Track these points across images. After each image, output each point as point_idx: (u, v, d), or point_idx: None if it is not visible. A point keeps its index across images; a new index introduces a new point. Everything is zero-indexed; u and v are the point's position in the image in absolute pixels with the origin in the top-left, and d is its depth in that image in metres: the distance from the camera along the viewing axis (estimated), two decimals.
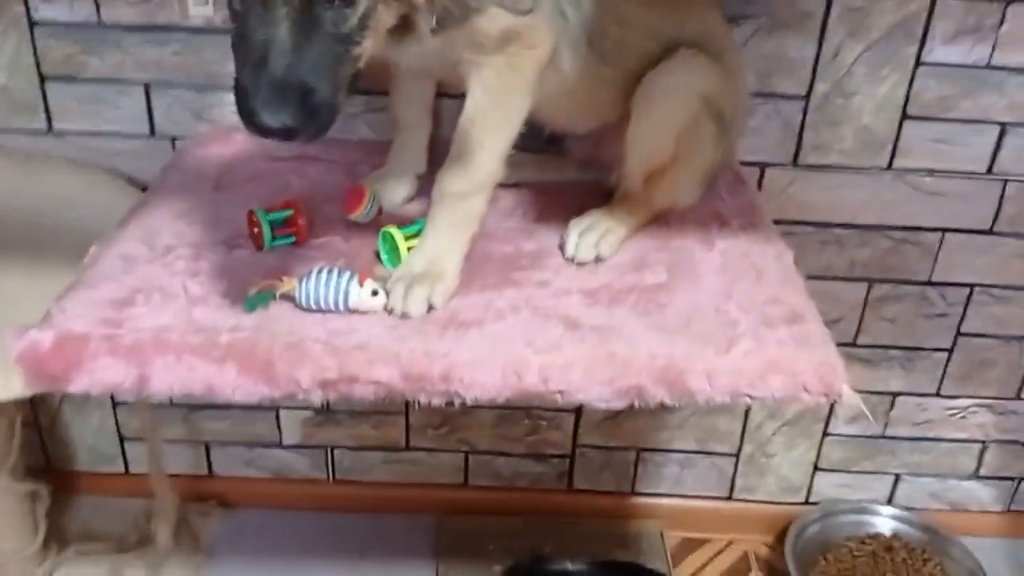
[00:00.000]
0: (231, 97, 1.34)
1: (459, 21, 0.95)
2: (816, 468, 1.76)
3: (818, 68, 1.38)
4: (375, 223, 1.18)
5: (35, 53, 1.37)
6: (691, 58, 1.10)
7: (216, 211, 1.21)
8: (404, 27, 0.90)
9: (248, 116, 0.81)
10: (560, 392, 0.97)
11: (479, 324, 1.01)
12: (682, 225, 1.23)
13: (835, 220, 1.50)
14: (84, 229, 1.39)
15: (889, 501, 1.79)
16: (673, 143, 1.13)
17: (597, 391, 0.97)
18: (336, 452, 1.75)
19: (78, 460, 1.77)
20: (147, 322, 0.99)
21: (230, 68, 1.32)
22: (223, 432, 1.73)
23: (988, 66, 1.37)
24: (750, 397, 0.98)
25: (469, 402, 0.98)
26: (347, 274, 1.01)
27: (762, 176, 1.47)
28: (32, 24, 1.35)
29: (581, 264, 1.14)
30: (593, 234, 1.15)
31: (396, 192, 1.25)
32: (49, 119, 1.42)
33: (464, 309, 1.04)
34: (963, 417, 1.68)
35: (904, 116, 1.41)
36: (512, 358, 0.97)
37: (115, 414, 1.71)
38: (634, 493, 1.79)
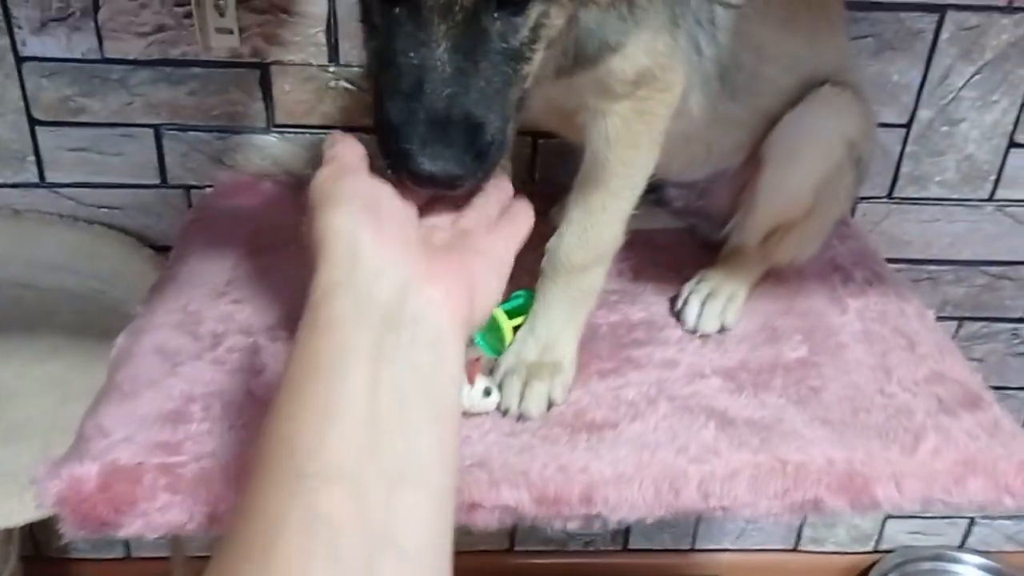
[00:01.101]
0: (260, 139, 1.15)
1: (592, 61, 0.78)
2: (887, 514, 1.64)
3: (923, 93, 1.24)
4: None
5: (24, 95, 1.15)
6: (837, 96, 0.94)
7: (264, 282, 1.02)
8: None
9: (401, 161, 0.61)
10: (723, 508, 0.81)
11: (614, 425, 0.85)
12: (801, 280, 1.08)
13: (930, 256, 1.37)
14: (87, 299, 1.19)
15: (961, 546, 1.67)
16: (812, 196, 0.97)
17: (766, 505, 0.81)
18: None
19: (74, 547, 1.55)
20: (211, 443, 0.80)
21: (257, 107, 1.15)
22: None
23: None
24: (944, 503, 0.83)
25: (614, 525, 0.82)
26: None
27: (853, 210, 1.32)
28: (20, 61, 1.13)
29: (704, 336, 0.98)
30: (717, 302, 0.99)
31: None
32: (41, 170, 1.20)
33: (590, 404, 0.87)
34: None
35: (1011, 144, 1.28)
36: (664, 470, 0.81)
37: None
38: (694, 550, 1.65)
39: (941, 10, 1.18)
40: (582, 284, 0.89)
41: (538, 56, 0.67)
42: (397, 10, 0.61)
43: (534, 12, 0.64)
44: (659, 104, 0.85)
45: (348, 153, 0.62)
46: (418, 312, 0.52)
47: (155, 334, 0.93)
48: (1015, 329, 1.44)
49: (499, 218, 0.67)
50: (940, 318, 1.39)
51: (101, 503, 0.75)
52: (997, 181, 1.31)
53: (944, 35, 1.19)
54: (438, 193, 0.65)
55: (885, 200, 1.32)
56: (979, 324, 1.44)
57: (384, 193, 0.59)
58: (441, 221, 0.65)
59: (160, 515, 0.76)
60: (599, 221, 0.87)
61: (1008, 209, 1.33)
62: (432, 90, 0.60)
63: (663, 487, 0.80)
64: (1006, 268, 1.38)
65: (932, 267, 1.38)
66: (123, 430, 0.80)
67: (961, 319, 1.43)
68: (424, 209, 0.65)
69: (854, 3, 1.14)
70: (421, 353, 0.51)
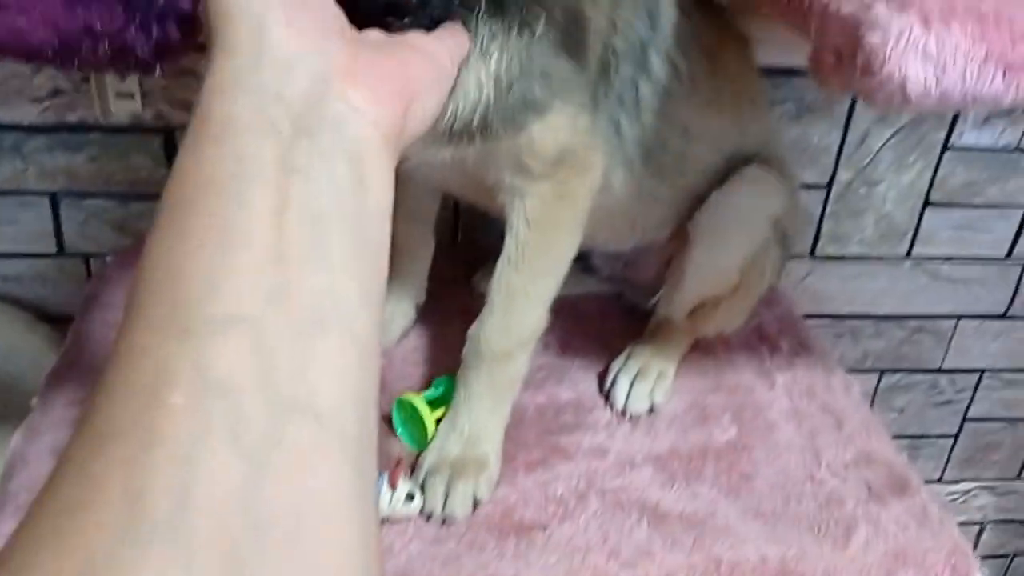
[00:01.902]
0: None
1: (513, 123, 0.74)
2: None
3: (842, 155, 1.24)
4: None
5: None
6: (762, 176, 0.93)
7: None
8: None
9: None
10: None
11: (543, 527, 0.81)
12: (728, 352, 1.07)
13: (850, 312, 1.38)
14: None
15: None
16: (739, 273, 0.96)
17: None
18: None
19: None
20: None
21: (160, 173, 1.08)
22: None
23: (1017, 148, 1.27)
24: None
25: None
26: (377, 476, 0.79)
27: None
28: None
29: (633, 417, 0.96)
30: (646, 382, 0.96)
31: (393, 325, 1.03)
32: None
33: (518, 502, 0.84)
34: (964, 501, 1.61)
35: (927, 203, 1.30)
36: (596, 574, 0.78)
37: None
38: None
39: None
40: (506, 372, 0.86)
41: None
42: None
43: None
44: (580, 186, 0.82)
45: None
46: (338, 116, 0.41)
47: (53, 434, 0.86)
48: (934, 380, 1.46)
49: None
50: (862, 370, 1.42)
51: None
52: (914, 239, 1.33)
53: (860, 100, 1.20)
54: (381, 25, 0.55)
55: (808, 258, 1.32)
56: (899, 375, 1.45)
57: None
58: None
59: None
60: (522, 307, 0.84)
61: (925, 265, 1.35)
62: None
63: None
64: (924, 322, 1.40)
65: (854, 321, 1.39)
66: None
67: (882, 371, 1.45)
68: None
69: (775, 69, 1.14)
70: (339, 164, 0.40)
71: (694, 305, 0.99)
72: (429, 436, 0.87)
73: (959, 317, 1.41)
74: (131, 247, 1.14)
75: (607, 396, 0.98)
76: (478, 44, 0.69)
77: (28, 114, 1.06)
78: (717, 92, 0.91)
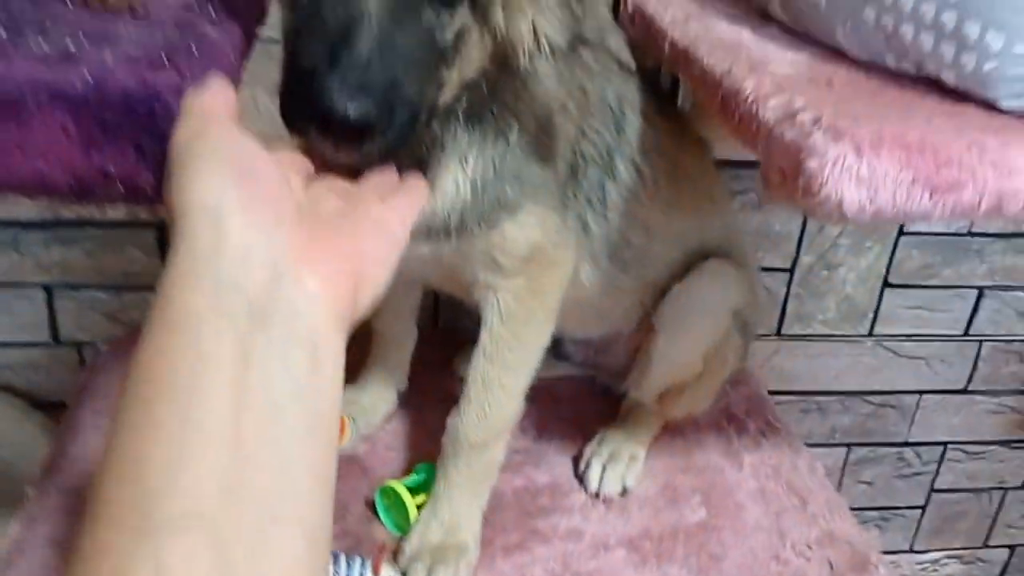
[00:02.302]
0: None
1: (487, 220, 0.80)
2: None
3: (803, 241, 1.31)
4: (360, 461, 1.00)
5: None
6: (722, 270, 0.99)
7: None
8: None
9: (315, 101, 0.58)
10: None
11: None
12: (697, 433, 1.11)
13: (817, 388, 1.44)
14: None
15: None
16: (702, 361, 1.01)
17: None
18: None
19: None
20: None
21: (154, 264, 1.13)
22: None
23: (969, 233, 1.34)
24: None
25: None
26: (357, 563, 0.83)
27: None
28: None
29: (607, 500, 1.00)
30: (618, 465, 1.01)
31: (375, 412, 1.07)
32: None
33: None
34: (934, 570, 1.64)
35: (885, 284, 1.37)
36: None
37: None
38: None
39: None
40: (483, 460, 0.90)
41: (453, 73, 0.68)
42: None
43: (459, 20, 0.65)
44: (550, 281, 0.88)
45: (214, 101, 0.50)
46: (292, 303, 0.43)
47: (49, 524, 0.90)
48: (900, 453, 1.52)
49: (393, 193, 0.60)
50: (831, 444, 1.47)
51: None
52: (875, 318, 1.39)
53: None
54: (339, 150, 0.61)
55: (775, 337, 1.38)
56: (866, 449, 1.50)
57: (257, 153, 0.48)
58: (331, 188, 0.57)
59: None
60: (497, 398, 0.89)
61: (886, 343, 1.41)
62: (362, 37, 0.59)
63: None
64: (888, 397, 1.46)
65: (821, 398, 1.44)
66: None
67: (850, 445, 1.50)
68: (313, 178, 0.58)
69: (737, 162, 1.21)
70: (295, 353, 0.42)
71: (662, 390, 1.04)
72: (411, 521, 0.91)
73: (921, 392, 1.47)
74: (124, 336, 1.18)
75: (581, 479, 1.02)
76: (457, 150, 0.76)
77: (27, 210, 1.11)
78: (678, 194, 0.97)
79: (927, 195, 0.65)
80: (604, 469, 1.01)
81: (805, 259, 1.32)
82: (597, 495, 1.00)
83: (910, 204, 0.65)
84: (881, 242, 1.33)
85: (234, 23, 0.71)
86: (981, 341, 1.44)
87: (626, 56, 0.94)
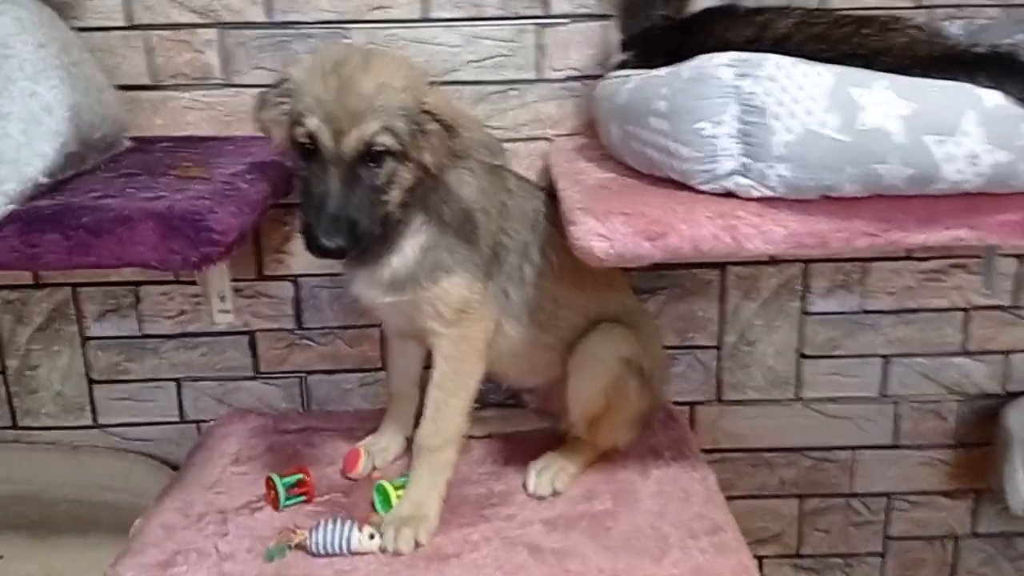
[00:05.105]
0: (248, 384, 1.65)
1: (432, 278, 1.27)
2: None
3: (724, 323, 1.70)
4: (371, 479, 1.43)
5: (85, 363, 1.68)
6: (611, 329, 1.41)
7: (238, 481, 1.46)
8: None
9: (312, 242, 1.14)
10: None
11: (458, 556, 1.25)
12: (624, 460, 1.49)
13: (760, 445, 1.77)
14: (121, 507, 1.63)
15: None
16: (603, 397, 1.40)
17: None
18: None
19: None
20: None
21: (247, 361, 1.64)
22: None
23: (862, 311, 1.70)
24: None
25: None
26: (348, 522, 1.26)
27: (693, 412, 1.75)
28: (84, 340, 1.67)
29: (541, 498, 1.39)
30: (549, 472, 1.40)
31: (388, 452, 1.51)
32: (95, 415, 1.71)
33: (445, 544, 1.27)
34: None
35: (801, 356, 1.72)
36: None
37: None
38: None
39: (722, 266, 1.67)
40: (439, 460, 1.32)
41: (394, 193, 1.19)
42: (312, 164, 1.15)
43: (386, 167, 1.17)
44: (477, 331, 1.32)
45: None
46: None
47: (161, 515, 1.37)
48: (848, 502, 1.80)
49: None
50: (783, 496, 1.78)
51: None
52: (798, 384, 1.73)
53: (728, 281, 1.68)
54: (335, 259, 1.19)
55: (716, 403, 1.74)
56: (816, 499, 1.80)
57: None
58: None
59: None
60: (444, 415, 1.32)
61: (813, 405, 1.75)
62: (329, 205, 1.13)
63: None
64: (824, 452, 1.77)
65: (765, 454, 1.77)
66: (130, 574, 1.23)
67: (800, 496, 1.79)
68: None
69: (660, 264, 1.63)
70: None
71: (584, 422, 1.43)
72: (393, 504, 1.33)
73: (854, 448, 1.77)
74: (225, 416, 1.69)
75: (525, 486, 1.42)
76: (412, 227, 1.25)
77: (164, 327, 1.66)
78: (580, 278, 1.41)
79: (646, 242, 1.08)
80: (539, 475, 1.40)
81: (728, 338, 1.71)
82: (532, 493, 1.39)
83: (636, 248, 1.08)
84: (788, 321, 1.70)
85: (262, 183, 1.24)
86: (896, 402, 1.75)
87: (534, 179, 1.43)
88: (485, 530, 1.31)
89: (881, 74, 1.04)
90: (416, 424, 1.50)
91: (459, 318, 1.30)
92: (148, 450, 1.72)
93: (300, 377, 1.71)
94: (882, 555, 1.83)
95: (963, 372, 1.74)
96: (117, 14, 1.53)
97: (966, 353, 1.73)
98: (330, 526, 1.25)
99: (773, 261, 1.66)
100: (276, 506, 1.37)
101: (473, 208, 1.31)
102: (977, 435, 1.76)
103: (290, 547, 1.26)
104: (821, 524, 1.81)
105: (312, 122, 1.14)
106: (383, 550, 1.25)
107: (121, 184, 1.16)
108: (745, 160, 1.07)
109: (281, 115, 1.20)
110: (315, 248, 1.14)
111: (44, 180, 1.08)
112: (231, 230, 1.08)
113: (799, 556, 1.81)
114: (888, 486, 1.80)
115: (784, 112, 1.03)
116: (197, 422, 1.73)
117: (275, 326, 1.68)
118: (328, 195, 1.13)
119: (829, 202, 1.08)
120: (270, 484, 1.38)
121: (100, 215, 1.04)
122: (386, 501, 1.34)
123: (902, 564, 1.83)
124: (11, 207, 1.03)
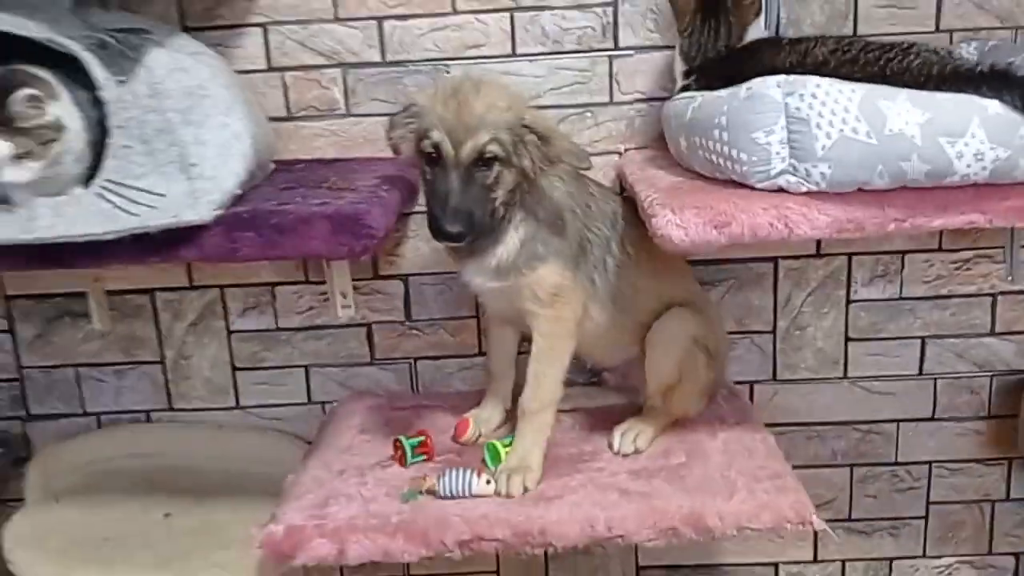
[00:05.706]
0: (366, 370, 1.93)
1: (529, 266, 1.52)
2: None
3: (777, 311, 1.94)
4: (477, 444, 1.70)
5: (230, 353, 1.98)
6: (681, 311, 1.66)
7: (367, 446, 1.73)
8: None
9: (438, 229, 1.40)
10: (621, 536, 1.44)
11: (560, 497, 1.50)
12: (694, 425, 1.73)
13: (813, 420, 2.00)
14: (261, 475, 1.91)
15: None
16: (676, 370, 1.65)
17: (645, 533, 1.44)
18: None
19: None
20: (341, 516, 1.48)
21: (364, 350, 1.92)
22: None
23: (900, 298, 1.93)
24: (750, 529, 1.44)
25: (559, 549, 1.45)
26: (469, 471, 1.52)
27: (752, 391, 1.98)
28: (229, 333, 1.97)
29: (625, 455, 1.64)
30: (631, 433, 1.65)
31: (491, 421, 1.77)
32: (237, 398, 2.00)
33: (548, 489, 1.53)
34: (950, 575, 2.06)
35: (847, 339, 1.95)
36: (585, 516, 1.45)
37: None
38: None
39: (775, 260, 1.92)
40: (540, 420, 1.58)
41: (500, 192, 1.45)
42: (436, 169, 1.41)
43: (494, 171, 1.43)
44: (568, 311, 1.58)
45: None
46: None
47: (309, 472, 1.65)
48: (893, 471, 2.02)
49: None
50: (835, 466, 2.01)
51: (285, 544, 1.44)
52: (845, 365, 1.96)
53: (780, 274, 1.92)
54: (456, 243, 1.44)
55: (772, 382, 1.98)
56: (865, 468, 2.02)
57: None
58: None
59: (315, 550, 1.44)
60: (543, 383, 1.58)
61: (859, 383, 1.97)
62: (451, 199, 1.39)
63: (585, 524, 1.44)
64: (870, 425, 1.99)
65: (818, 427, 2.00)
66: (294, 513, 1.50)
67: (851, 465, 2.02)
68: None
69: (717, 259, 1.88)
70: None
71: (659, 392, 1.68)
72: (503, 460, 1.59)
73: (898, 421, 1.99)
74: (347, 397, 1.97)
75: (611, 446, 1.67)
76: (514, 222, 1.51)
77: (294, 320, 1.95)
78: (654, 267, 1.67)
79: (714, 230, 1.33)
80: (622, 436, 1.65)
81: (781, 324, 1.94)
82: (617, 452, 1.64)
83: (706, 235, 1.33)
84: (835, 308, 1.93)
85: (396, 192, 1.53)
86: (933, 379, 1.97)
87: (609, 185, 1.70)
88: (580, 479, 1.56)
89: (902, 89, 1.30)
90: (514, 399, 1.77)
91: (553, 300, 1.56)
92: (281, 427, 2.01)
93: (409, 363, 1.99)
94: (925, 518, 2.04)
95: (992, 351, 1.96)
96: (260, 59, 1.84)
97: (994, 334, 1.95)
98: (454, 473, 1.51)
99: (820, 255, 1.91)
100: (403, 463, 1.63)
101: (563, 208, 1.58)
102: (1007, 407, 1.97)
103: (421, 492, 1.52)
104: (869, 491, 2.03)
105: (437, 135, 1.42)
106: (498, 493, 1.51)
107: (288, 195, 1.45)
108: (793, 162, 1.33)
109: (409, 132, 1.47)
110: (440, 234, 1.41)
111: (237, 192, 1.38)
112: (382, 227, 1.36)
113: (850, 519, 2.04)
114: (929, 455, 2.01)
115: (824, 122, 1.29)
116: (323, 403, 2.01)
117: (388, 319, 1.96)
118: (450, 192, 1.40)
119: (863, 194, 1.33)
120: (397, 445, 1.65)
121: (284, 217, 1.33)
122: (496, 457, 1.60)
123: (943, 526, 2.04)
124: (218, 212, 1.32)
